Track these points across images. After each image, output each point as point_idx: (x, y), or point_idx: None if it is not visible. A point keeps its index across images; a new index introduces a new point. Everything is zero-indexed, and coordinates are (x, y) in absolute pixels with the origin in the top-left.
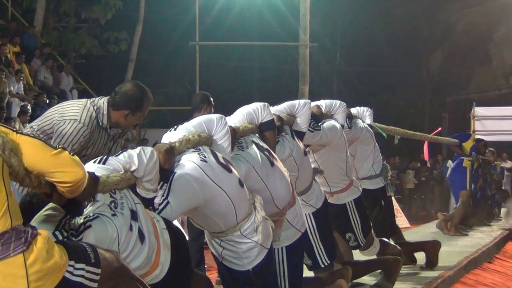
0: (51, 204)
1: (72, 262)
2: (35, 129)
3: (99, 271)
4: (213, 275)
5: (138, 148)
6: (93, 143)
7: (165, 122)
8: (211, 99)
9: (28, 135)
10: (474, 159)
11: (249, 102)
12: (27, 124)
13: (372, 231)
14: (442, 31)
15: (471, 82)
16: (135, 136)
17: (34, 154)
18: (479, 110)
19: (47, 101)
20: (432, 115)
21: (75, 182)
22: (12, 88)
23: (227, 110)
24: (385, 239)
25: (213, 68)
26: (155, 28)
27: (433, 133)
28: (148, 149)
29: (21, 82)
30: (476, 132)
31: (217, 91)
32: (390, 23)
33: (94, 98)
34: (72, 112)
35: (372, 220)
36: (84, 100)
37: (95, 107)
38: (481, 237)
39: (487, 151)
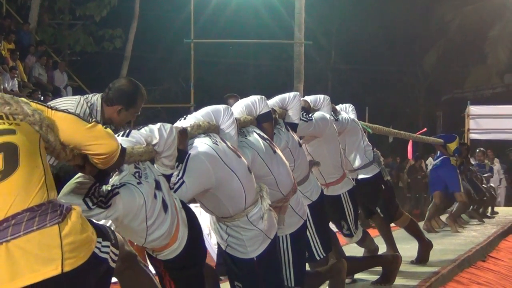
0: (80, 174)
1: (100, 239)
2: None
3: (118, 252)
4: None
5: (158, 124)
6: None
7: (160, 119)
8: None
9: (63, 111)
10: (456, 159)
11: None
12: None
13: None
14: (437, 29)
15: (466, 80)
16: None
17: (70, 128)
18: (473, 109)
19: (42, 98)
20: (427, 113)
21: (110, 153)
22: (6, 85)
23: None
24: (366, 231)
25: (208, 65)
26: (150, 25)
27: (418, 133)
28: (168, 125)
29: (15, 79)
30: (470, 131)
31: (212, 89)
32: (385, 21)
33: (87, 95)
34: (65, 108)
35: (378, 207)
36: (77, 96)
37: (89, 104)
38: (475, 236)
39: (477, 150)
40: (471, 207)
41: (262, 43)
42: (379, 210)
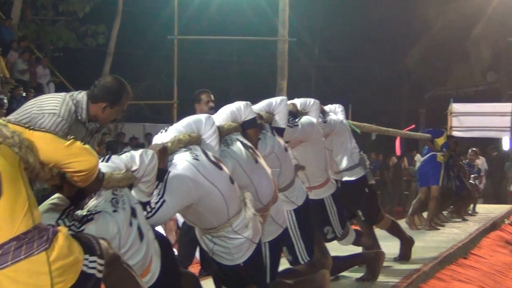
0: (56, 195)
1: (87, 256)
2: None
3: (103, 261)
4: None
5: (140, 150)
6: None
7: (143, 116)
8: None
9: (40, 130)
10: (444, 153)
11: (227, 96)
12: (4, 118)
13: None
14: (421, 27)
15: (448, 78)
16: (111, 130)
17: (48, 147)
18: (456, 107)
19: (24, 94)
20: (410, 111)
21: (89, 170)
22: None
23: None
24: (359, 230)
25: (191, 62)
26: (134, 21)
27: (406, 129)
28: (149, 152)
29: None
30: (453, 128)
31: (196, 86)
32: (369, 19)
33: (73, 92)
34: (51, 105)
35: (360, 210)
36: (63, 94)
37: (74, 101)
38: (457, 233)
39: (470, 150)
40: (451, 206)
41: (246, 40)
42: (360, 213)
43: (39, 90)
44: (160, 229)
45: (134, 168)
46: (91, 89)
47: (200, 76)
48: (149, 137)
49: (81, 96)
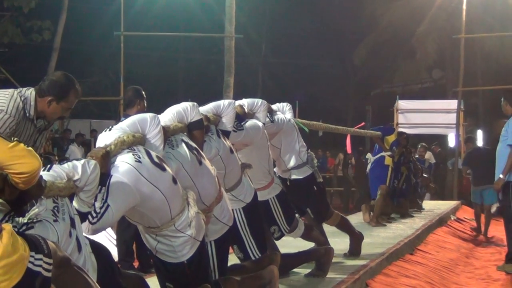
0: None
1: (32, 253)
2: None
3: (51, 261)
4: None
5: (83, 160)
6: (18, 134)
7: (89, 112)
8: (143, 92)
9: None
10: (394, 153)
11: (174, 92)
12: None
13: (297, 215)
14: (367, 24)
15: (395, 75)
16: (60, 128)
17: None
18: (402, 103)
19: None
20: (356, 108)
21: (31, 172)
22: None
23: (153, 101)
24: (310, 225)
25: (138, 58)
26: (80, 17)
27: (356, 127)
28: (92, 162)
29: None
30: (399, 125)
31: (142, 82)
32: (316, 16)
33: (21, 89)
34: None
35: (309, 207)
36: (11, 90)
37: (22, 98)
38: (403, 229)
39: (419, 146)
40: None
41: (193, 36)
42: (309, 211)
43: None
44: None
45: (76, 177)
46: (39, 84)
47: (147, 72)
48: (95, 133)
49: (29, 92)
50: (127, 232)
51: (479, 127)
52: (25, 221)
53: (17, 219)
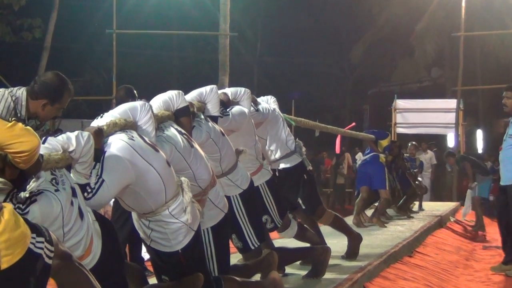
0: None
1: (34, 235)
2: None
3: (53, 248)
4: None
5: (76, 131)
6: None
7: (81, 112)
8: (135, 92)
9: None
10: (386, 157)
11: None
12: None
13: (289, 214)
14: (364, 22)
15: (392, 74)
16: (51, 128)
17: None
18: (400, 103)
19: None
20: (354, 107)
21: (31, 150)
22: None
23: (146, 99)
24: (304, 225)
25: (131, 57)
26: (71, 15)
27: (347, 128)
28: (85, 133)
29: None
30: (397, 125)
31: (135, 81)
32: (312, 14)
33: (12, 88)
34: None
35: (300, 197)
36: (2, 90)
37: (13, 98)
38: (401, 231)
39: (409, 144)
40: (397, 203)
41: (187, 35)
42: (301, 202)
43: None
44: None
45: (71, 149)
46: (31, 85)
47: (139, 71)
48: None
49: (21, 92)
50: (120, 235)
51: (478, 127)
52: (27, 195)
53: (20, 195)
